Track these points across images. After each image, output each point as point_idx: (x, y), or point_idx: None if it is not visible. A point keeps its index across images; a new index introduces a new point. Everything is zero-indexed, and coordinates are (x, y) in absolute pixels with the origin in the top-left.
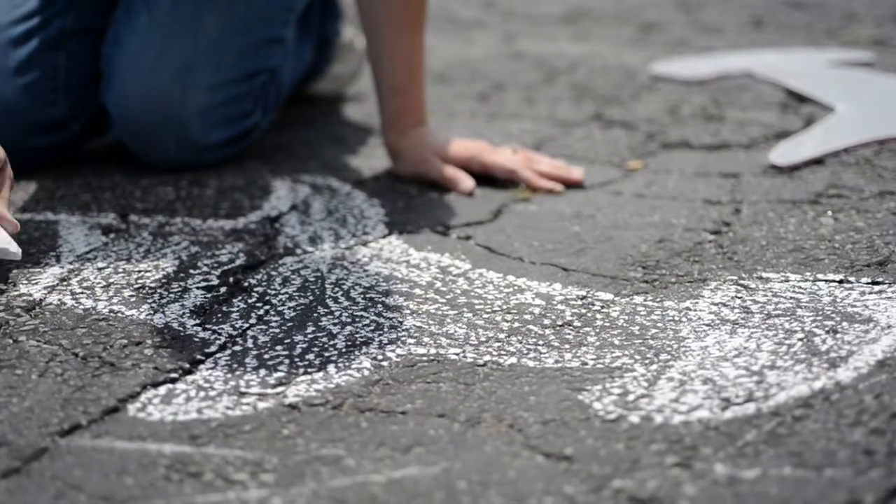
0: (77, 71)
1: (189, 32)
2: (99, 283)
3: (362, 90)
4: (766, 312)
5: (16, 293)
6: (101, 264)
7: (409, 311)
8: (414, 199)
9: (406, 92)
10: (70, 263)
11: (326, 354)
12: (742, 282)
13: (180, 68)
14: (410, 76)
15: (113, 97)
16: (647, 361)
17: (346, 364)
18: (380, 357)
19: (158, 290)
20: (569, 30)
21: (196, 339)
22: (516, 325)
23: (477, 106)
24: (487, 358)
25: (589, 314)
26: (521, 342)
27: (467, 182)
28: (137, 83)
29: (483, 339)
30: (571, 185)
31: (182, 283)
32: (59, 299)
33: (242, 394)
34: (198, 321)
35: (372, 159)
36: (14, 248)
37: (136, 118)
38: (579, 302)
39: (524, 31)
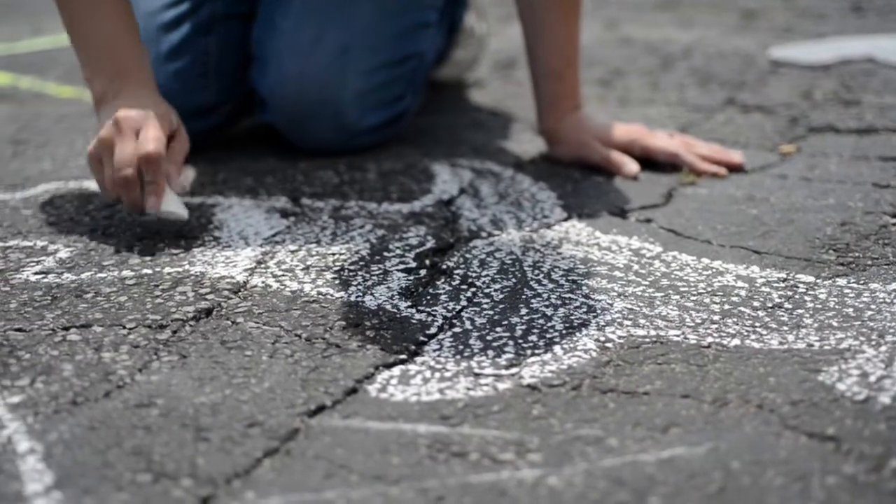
0: (226, 56)
1: (345, 16)
2: (296, 265)
3: (482, 76)
4: None
5: (217, 275)
6: (291, 247)
7: (615, 293)
8: (580, 182)
9: (564, 76)
10: (260, 246)
11: (548, 336)
12: None
13: (337, 52)
14: (567, 60)
15: (268, 81)
16: (873, 343)
17: (571, 345)
18: (602, 339)
19: (359, 273)
20: (669, 16)
21: (413, 321)
22: (727, 307)
23: (602, 91)
24: (710, 339)
25: (796, 296)
26: (737, 324)
27: (632, 165)
28: (295, 67)
29: (698, 321)
30: (733, 168)
31: (381, 266)
32: (263, 281)
33: (477, 375)
34: (409, 303)
35: (522, 143)
36: (182, 211)
37: (293, 102)
38: (782, 284)
39: (624, 17)
